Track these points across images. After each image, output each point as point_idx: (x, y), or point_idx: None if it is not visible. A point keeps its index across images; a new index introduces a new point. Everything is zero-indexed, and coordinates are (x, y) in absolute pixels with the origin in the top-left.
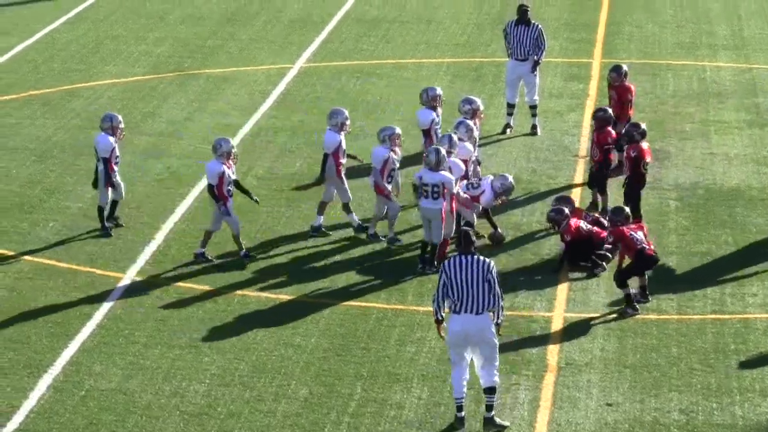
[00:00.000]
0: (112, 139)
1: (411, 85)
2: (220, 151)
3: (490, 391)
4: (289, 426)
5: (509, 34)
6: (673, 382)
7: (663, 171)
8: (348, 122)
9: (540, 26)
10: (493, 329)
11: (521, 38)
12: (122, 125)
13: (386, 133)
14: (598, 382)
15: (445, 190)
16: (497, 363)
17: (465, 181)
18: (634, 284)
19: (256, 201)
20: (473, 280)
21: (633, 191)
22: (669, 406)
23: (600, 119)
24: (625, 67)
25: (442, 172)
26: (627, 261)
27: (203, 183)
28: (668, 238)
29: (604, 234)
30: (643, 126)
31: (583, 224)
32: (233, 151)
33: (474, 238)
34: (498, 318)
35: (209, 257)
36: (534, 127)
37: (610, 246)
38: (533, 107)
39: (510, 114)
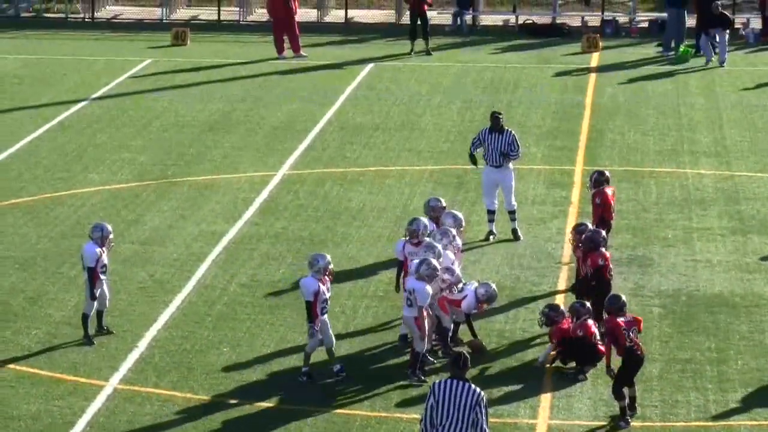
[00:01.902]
0: (98, 249)
1: (394, 192)
2: (316, 267)
3: None
4: None
5: (484, 141)
6: None
7: (646, 278)
8: (330, 267)
9: (513, 132)
10: None
11: (496, 145)
12: (112, 235)
13: (320, 264)
14: None
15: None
16: None
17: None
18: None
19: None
20: (460, 407)
21: (601, 300)
22: None
23: (588, 241)
24: (607, 173)
25: (421, 282)
26: (614, 355)
27: (187, 291)
28: (651, 345)
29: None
30: (603, 233)
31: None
32: (330, 267)
33: (469, 363)
34: None
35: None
36: (515, 231)
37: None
38: (512, 212)
39: (491, 221)
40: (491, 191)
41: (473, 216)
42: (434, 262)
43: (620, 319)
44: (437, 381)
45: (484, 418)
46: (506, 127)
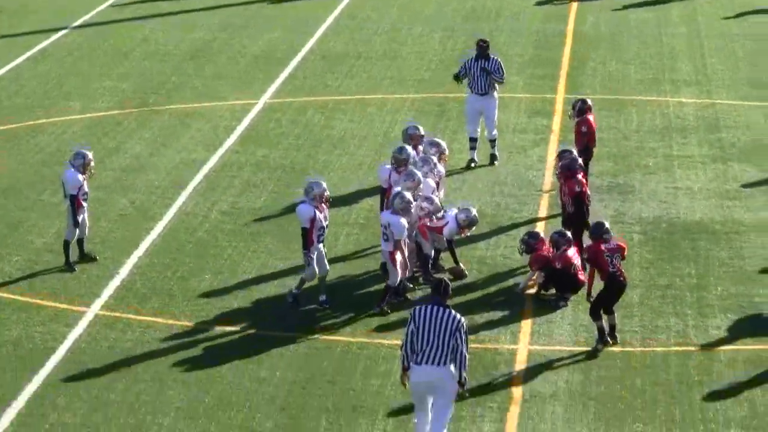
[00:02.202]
0: (80, 176)
1: (375, 120)
2: (311, 193)
3: None
4: None
5: (469, 70)
6: (637, 413)
7: (627, 205)
8: (326, 194)
9: (498, 59)
10: (454, 383)
11: (482, 72)
12: (93, 162)
13: (315, 191)
14: (563, 414)
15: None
16: (448, 417)
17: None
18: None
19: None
20: (441, 332)
21: (580, 227)
22: None
23: (564, 168)
24: (589, 101)
25: (396, 215)
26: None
27: (168, 218)
28: (632, 272)
29: (583, 278)
30: (579, 160)
31: (577, 260)
32: (326, 194)
33: (450, 289)
34: (461, 376)
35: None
36: (492, 156)
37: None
38: (492, 141)
39: (473, 149)
40: (474, 119)
41: (455, 144)
42: (408, 195)
43: (603, 246)
44: (418, 307)
45: (463, 344)
46: (491, 55)
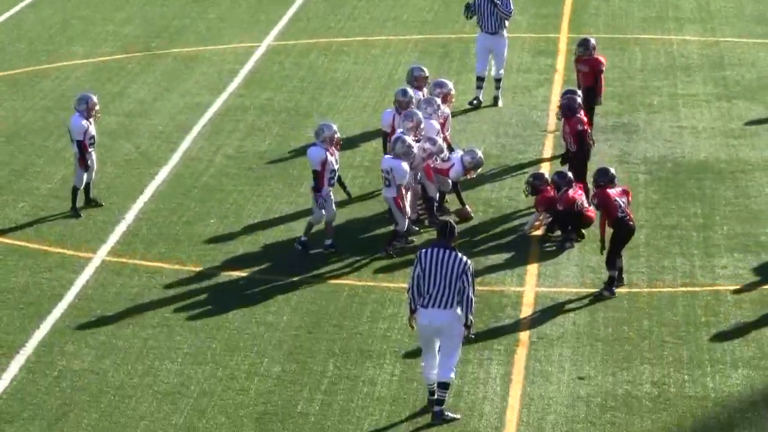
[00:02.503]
0: (85, 121)
1: (379, 62)
2: (322, 136)
3: (443, 386)
4: (262, 404)
5: (479, 8)
6: (644, 354)
7: (631, 145)
8: (336, 136)
9: None
10: (461, 326)
11: (492, 10)
12: (98, 106)
13: (326, 134)
14: (570, 356)
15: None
16: (455, 359)
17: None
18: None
19: (349, 195)
20: (447, 275)
21: (583, 165)
22: (641, 378)
23: (564, 108)
24: (593, 40)
25: (398, 160)
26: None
27: (173, 163)
28: (637, 212)
29: (592, 213)
30: (579, 93)
31: (579, 199)
32: (336, 136)
33: (456, 231)
34: (467, 319)
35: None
36: (496, 98)
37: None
38: (498, 80)
39: (479, 87)
40: (484, 56)
41: (459, 86)
42: (409, 139)
43: (610, 191)
44: (424, 249)
45: (470, 286)
46: None
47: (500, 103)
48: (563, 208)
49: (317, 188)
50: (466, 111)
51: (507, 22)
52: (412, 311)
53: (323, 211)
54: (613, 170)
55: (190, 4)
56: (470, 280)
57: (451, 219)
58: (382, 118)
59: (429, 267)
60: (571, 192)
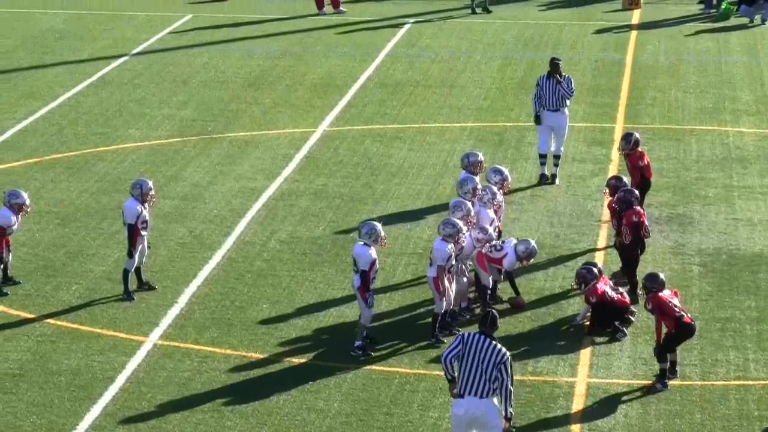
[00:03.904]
0: (139, 206)
1: (434, 149)
2: (373, 236)
3: None
4: None
5: (542, 87)
6: None
7: (686, 236)
8: (383, 235)
9: (570, 78)
10: (500, 417)
11: (554, 89)
12: (153, 191)
13: (376, 234)
14: None
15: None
16: None
17: (488, 244)
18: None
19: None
20: (484, 363)
21: (634, 257)
22: None
23: (620, 201)
24: (636, 135)
25: (443, 242)
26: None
27: (227, 247)
28: (691, 304)
29: (628, 301)
30: (636, 192)
31: (609, 290)
32: (382, 235)
33: (498, 322)
34: (506, 411)
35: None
36: (553, 176)
37: (649, 310)
38: (557, 157)
39: (543, 164)
40: (546, 134)
41: (514, 173)
42: (460, 223)
43: (662, 294)
44: (466, 333)
45: (508, 377)
46: (564, 73)
47: (557, 182)
48: (596, 301)
49: (367, 288)
50: (519, 201)
51: (568, 101)
52: (451, 380)
53: (371, 309)
54: (663, 276)
55: (247, 88)
56: (509, 371)
57: (493, 310)
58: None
59: (467, 352)
60: (600, 285)
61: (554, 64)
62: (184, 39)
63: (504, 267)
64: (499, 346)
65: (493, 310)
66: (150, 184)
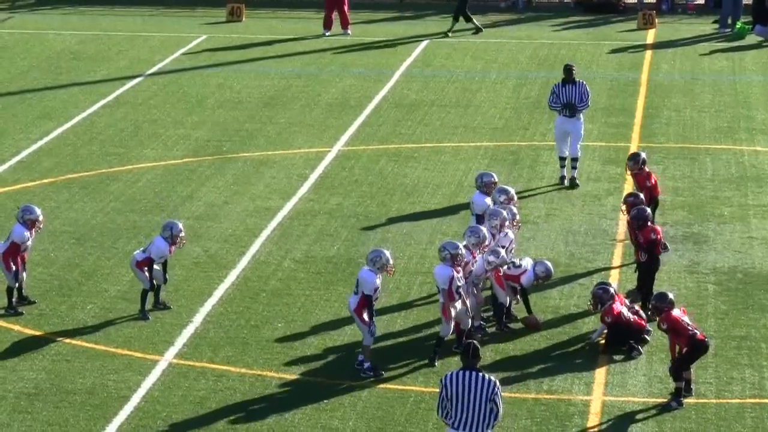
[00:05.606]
0: (169, 247)
1: (449, 168)
2: (379, 263)
3: None
4: None
5: (557, 94)
6: None
7: (701, 255)
8: (391, 263)
9: (585, 83)
10: None
11: (569, 95)
12: (183, 233)
13: (382, 262)
14: None
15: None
16: None
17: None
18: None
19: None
20: (476, 400)
21: (651, 276)
22: None
23: (635, 218)
24: (643, 155)
25: (448, 267)
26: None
27: (242, 266)
28: (707, 322)
29: (644, 323)
30: (648, 209)
31: (625, 310)
32: (390, 263)
33: (480, 352)
34: None
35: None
36: (572, 180)
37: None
38: (575, 159)
39: (563, 167)
40: (563, 139)
41: (528, 193)
42: (455, 250)
43: (674, 313)
44: (448, 374)
45: (499, 406)
46: (578, 79)
47: (578, 183)
48: (611, 321)
49: (370, 314)
50: (534, 220)
51: (584, 109)
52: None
53: (372, 328)
54: (671, 295)
55: (261, 108)
56: (500, 401)
57: (474, 340)
58: (475, 201)
59: (455, 393)
60: (616, 306)
61: (568, 69)
62: (198, 59)
63: (522, 283)
64: (487, 377)
65: (474, 341)
66: (180, 225)
